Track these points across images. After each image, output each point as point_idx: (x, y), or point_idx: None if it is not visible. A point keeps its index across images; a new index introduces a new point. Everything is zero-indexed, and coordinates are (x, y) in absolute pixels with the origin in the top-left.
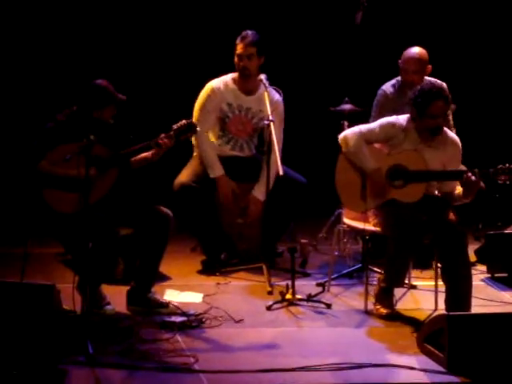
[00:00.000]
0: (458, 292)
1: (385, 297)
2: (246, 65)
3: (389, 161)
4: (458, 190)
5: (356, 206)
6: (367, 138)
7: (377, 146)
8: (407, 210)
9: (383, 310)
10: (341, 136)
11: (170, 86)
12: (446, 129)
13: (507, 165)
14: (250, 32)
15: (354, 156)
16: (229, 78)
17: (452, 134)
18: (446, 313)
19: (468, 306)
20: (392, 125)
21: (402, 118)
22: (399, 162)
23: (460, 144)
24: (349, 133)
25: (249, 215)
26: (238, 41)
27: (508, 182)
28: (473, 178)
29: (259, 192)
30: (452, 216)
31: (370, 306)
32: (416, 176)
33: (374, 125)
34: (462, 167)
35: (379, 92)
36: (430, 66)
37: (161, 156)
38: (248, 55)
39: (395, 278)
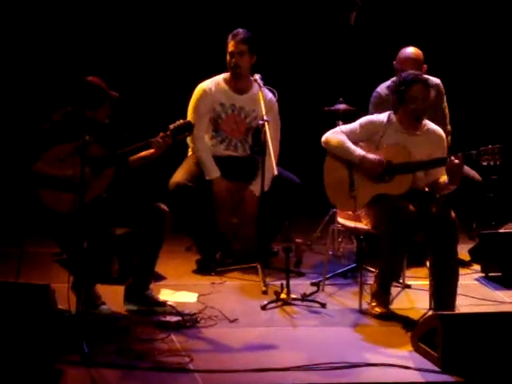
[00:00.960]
0: (444, 287)
1: (381, 294)
2: (238, 62)
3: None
4: (444, 178)
5: (346, 206)
6: (349, 138)
7: (361, 144)
8: (399, 204)
9: (378, 309)
10: (323, 138)
11: (165, 84)
12: (427, 121)
13: (490, 146)
14: (241, 30)
15: (338, 151)
16: (220, 78)
17: (433, 125)
18: (440, 312)
19: (452, 302)
20: (372, 122)
21: (383, 115)
22: (384, 156)
23: (443, 135)
24: (329, 133)
25: (244, 211)
26: (229, 38)
27: (492, 163)
28: (456, 161)
29: (257, 188)
30: (444, 210)
31: (365, 306)
32: (402, 168)
33: (355, 124)
34: None
35: (374, 94)
36: (425, 66)
37: (162, 151)
38: (239, 52)
39: (391, 273)
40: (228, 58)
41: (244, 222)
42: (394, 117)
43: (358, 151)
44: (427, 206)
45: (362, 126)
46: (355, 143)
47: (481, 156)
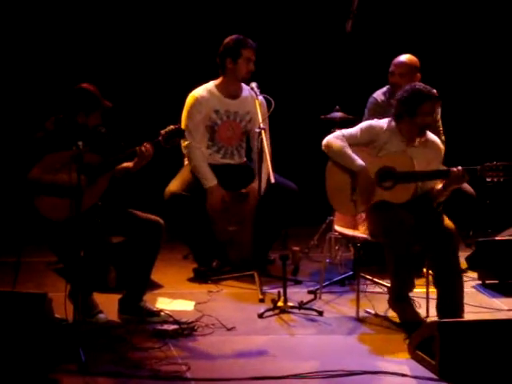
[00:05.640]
0: (451, 298)
1: (402, 306)
2: (253, 69)
3: (377, 163)
4: (438, 186)
5: (347, 210)
6: (349, 142)
7: (363, 149)
8: (396, 214)
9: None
10: (324, 142)
11: (158, 92)
12: (427, 131)
13: (494, 162)
14: (249, 39)
15: (339, 157)
16: (211, 85)
17: (432, 136)
18: (438, 320)
19: (461, 311)
20: (372, 128)
21: (383, 121)
22: (387, 163)
23: (442, 146)
24: (331, 137)
25: (243, 211)
26: (246, 46)
27: (495, 180)
28: (460, 173)
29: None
30: (446, 221)
31: (362, 313)
32: (405, 177)
33: (355, 129)
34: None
35: (370, 100)
36: (419, 75)
37: (141, 166)
38: (254, 60)
39: (403, 284)
40: (244, 64)
41: (242, 226)
42: (394, 124)
43: (359, 161)
44: (426, 217)
45: (362, 131)
46: (356, 147)
47: (485, 171)
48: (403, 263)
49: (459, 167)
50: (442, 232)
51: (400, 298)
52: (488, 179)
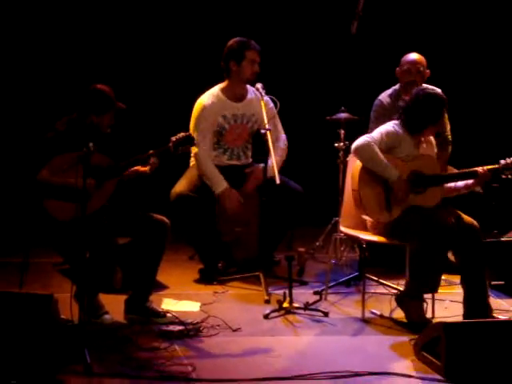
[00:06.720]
0: (480, 297)
1: (413, 304)
2: (258, 71)
3: (405, 168)
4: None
5: (381, 217)
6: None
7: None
8: (437, 213)
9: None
10: (353, 148)
11: (167, 95)
12: None
13: (507, 160)
14: (252, 40)
15: (371, 163)
16: (217, 90)
17: None
18: (443, 321)
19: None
20: (396, 133)
21: (397, 125)
22: (415, 168)
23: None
24: (361, 143)
25: (248, 185)
26: (249, 47)
27: (510, 176)
28: (488, 173)
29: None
30: (470, 219)
31: (367, 314)
32: (435, 180)
33: (380, 134)
34: None
35: (376, 102)
36: (428, 71)
37: (152, 171)
38: (258, 62)
39: (426, 283)
40: (249, 66)
41: (247, 227)
42: (404, 129)
43: (394, 169)
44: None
45: (388, 136)
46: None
47: (505, 170)
48: (437, 261)
49: (484, 167)
50: (466, 229)
51: (414, 297)
52: (504, 176)
